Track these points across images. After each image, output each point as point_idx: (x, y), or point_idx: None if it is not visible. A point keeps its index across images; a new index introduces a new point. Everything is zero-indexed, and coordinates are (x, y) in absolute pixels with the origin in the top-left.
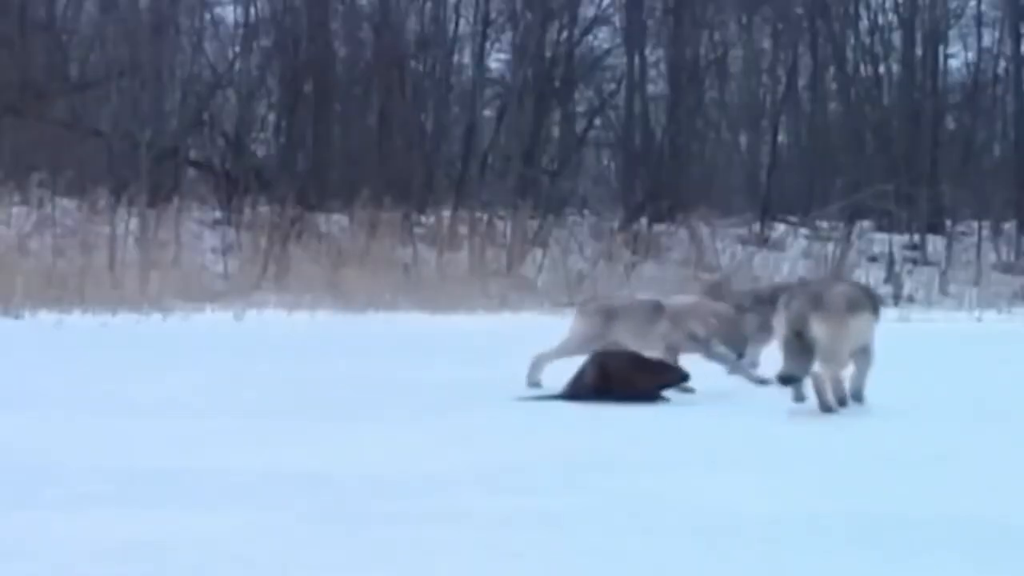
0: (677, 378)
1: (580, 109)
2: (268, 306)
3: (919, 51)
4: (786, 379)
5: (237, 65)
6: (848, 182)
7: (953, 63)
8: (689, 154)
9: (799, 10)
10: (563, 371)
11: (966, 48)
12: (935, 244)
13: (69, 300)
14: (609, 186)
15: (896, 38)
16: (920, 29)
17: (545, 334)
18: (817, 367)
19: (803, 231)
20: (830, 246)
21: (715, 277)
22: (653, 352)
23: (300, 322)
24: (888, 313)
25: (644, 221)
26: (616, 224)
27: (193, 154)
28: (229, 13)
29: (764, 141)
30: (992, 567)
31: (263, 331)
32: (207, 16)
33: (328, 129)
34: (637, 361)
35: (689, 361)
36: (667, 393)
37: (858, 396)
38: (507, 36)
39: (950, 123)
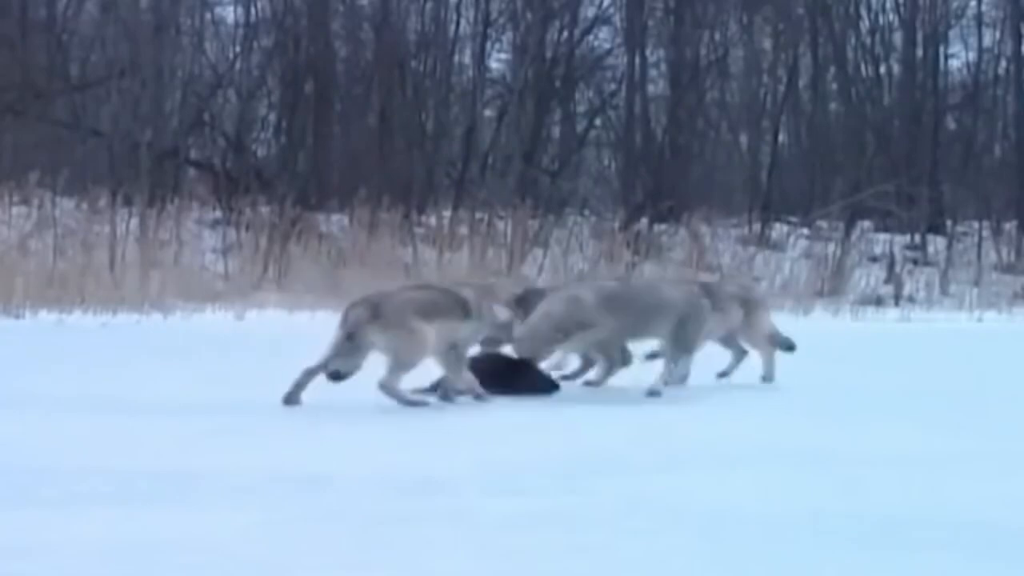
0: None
1: (581, 109)
2: (268, 306)
3: (920, 51)
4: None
5: (237, 65)
6: (848, 182)
7: (954, 63)
8: (690, 154)
9: (800, 10)
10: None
11: (967, 48)
12: (936, 244)
13: (69, 300)
14: (610, 186)
15: (897, 38)
16: (921, 29)
17: None
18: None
19: (804, 231)
20: (831, 246)
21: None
22: None
23: (300, 322)
24: (889, 313)
25: (645, 221)
26: (617, 224)
27: (193, 154)
28: (229, 13)
29: (765, 141)
30: (992, 567)
31: (263, 331)
32: (207, 16)
33: (328, 129)
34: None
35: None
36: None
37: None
38: (507, 36)
39: (951, 123)
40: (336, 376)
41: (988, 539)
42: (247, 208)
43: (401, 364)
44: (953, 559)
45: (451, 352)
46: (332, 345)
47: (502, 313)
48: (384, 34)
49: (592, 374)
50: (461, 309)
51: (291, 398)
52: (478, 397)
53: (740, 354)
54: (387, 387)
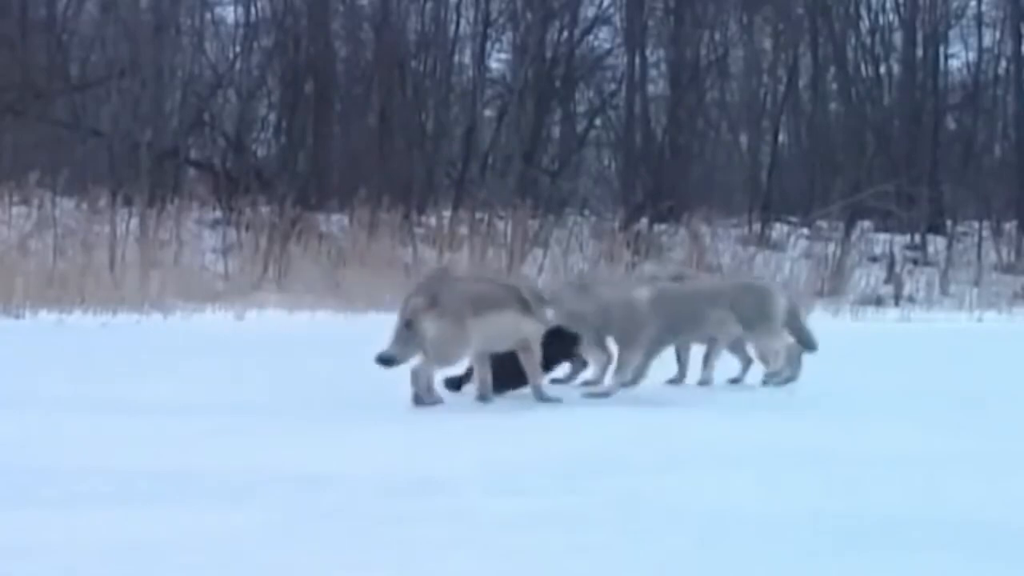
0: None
1: (581, 109)
2: (268, 306)
3: (920, 51)
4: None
5: (237, 65)
6: (848, 182)
7: (954, 63)
8: (690, 154)
9: (800, 10)
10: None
11: (967, 48)
12: (936, 244)
13: (69, 300)
14: (610, 186)
15: (897, 38)
16: (921, 29)
17: None
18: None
19: (804, 231)
20: (831, 246)
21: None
22: None
23: (300, 322)
24: (889, 313)
25: (645, 221)
26: (617, 224)
27: (193, 154)
28: (229, 13)
29: (765, 141)
30: (992, 567)
31: (263, 331)
32: (207, 16)
33: (328, 129)
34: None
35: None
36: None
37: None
38: (508, 36)
39: (951, 123)
40: (387, 360)
41: (988, 539)
42: (247, 208)
43: (439, 356)
44: (953, 559)
45: (523, 347)
46: (393, 332)
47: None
48: (384, 34)
49: (589, 374)
50: (522, 304)
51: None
52: (482, 398)
53: (747, 360)
54: (416, 375)
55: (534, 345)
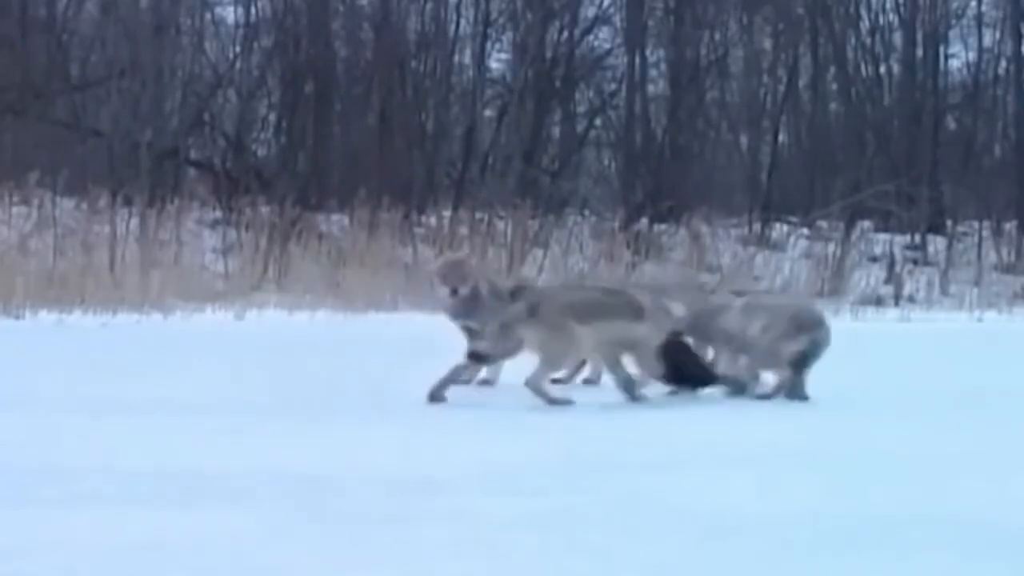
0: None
1: (581, 109)
2: (268, 306)
3: (920, 51)
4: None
5: (237, 65)
6: (848, 182)
7: (954, 63)
8: (690, 154)
9: (800, 10)
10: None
11: (967, 48)
12: (936, 244)
13: (69, 300)
14: (610, 186)
15: (897, 38)
16: (921, 29)
17: None
18: None
19: (804, 231)
20: (831, 246)
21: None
22: None
23: (300, 322)
24: (889, 313)
25: (645, 221)
26: (617, 224)
27: (193, 154)
28: (229, 13)
29: (765, 141)
30: (992, 567)
31: (263, 331)
32: (207, 16)
33: (328, 129)
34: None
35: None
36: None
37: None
38: (507, 36)
39: (951, 123)
40: (482, 358)
41: (988, 539)
42: (247, 208)
43: (549, 363)
44: (953, 559)
45: (638, 352)
46: (488, 329)
47: (677, 308)
48: (384, 34)
49: (588, 373)
50: (632, 310)
51: (438, 393)
52: (552, 402)
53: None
54: (533, 385)
55: (645, 350)
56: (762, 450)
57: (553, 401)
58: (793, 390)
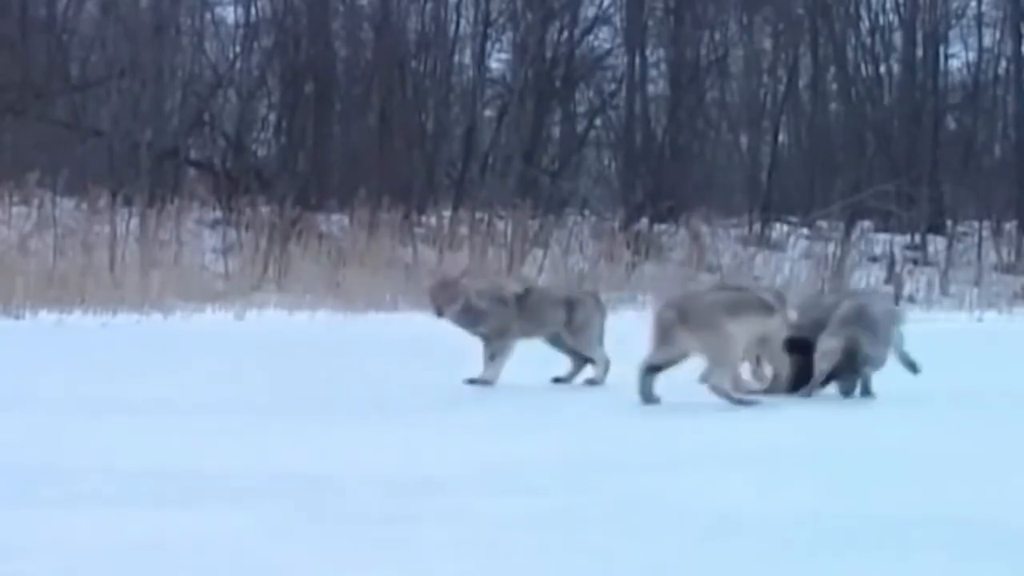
0: None
1: (581, 109)
2: (268, 306)
3: (920, 51)
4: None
5: (237, 65)
6: (848, 182)
7: (954, 63)
8: (690, 154)
9: (800, 10)
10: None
11: (967, 48)
12: (936, 244)
13: (69, 300)
14: (610, 186)
15: (897, 38)
16: (921, 29)
17: None
18: None
19: (804, 231)
20: (831, 246)
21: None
22: None
23: (300, 322)
24: None
25: (645, 221)
26: (617, 224)
27: (193, 154)
28: (229, 13)
29: (765, 141)
30: (992, 567)
31: (263, 331)
32: (207, 16)
33: (328, 129)
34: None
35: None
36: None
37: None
38: (507, 36)
39: (951, 123)
40: (655, 369)
41: (988, 539)
42: (247, 208)
43: (718, 363)
44: (953, 559)
45: (769, 346)
46: (651, 342)
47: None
48: (384, 34)
49: (590, 372)
50: (764, 306)
51: (648, 399)
52: (739, 402)
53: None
54: (715, 388)
55: (775, 344)
56: (762, 450)
57: (738, 402)
58: (865, 386)
